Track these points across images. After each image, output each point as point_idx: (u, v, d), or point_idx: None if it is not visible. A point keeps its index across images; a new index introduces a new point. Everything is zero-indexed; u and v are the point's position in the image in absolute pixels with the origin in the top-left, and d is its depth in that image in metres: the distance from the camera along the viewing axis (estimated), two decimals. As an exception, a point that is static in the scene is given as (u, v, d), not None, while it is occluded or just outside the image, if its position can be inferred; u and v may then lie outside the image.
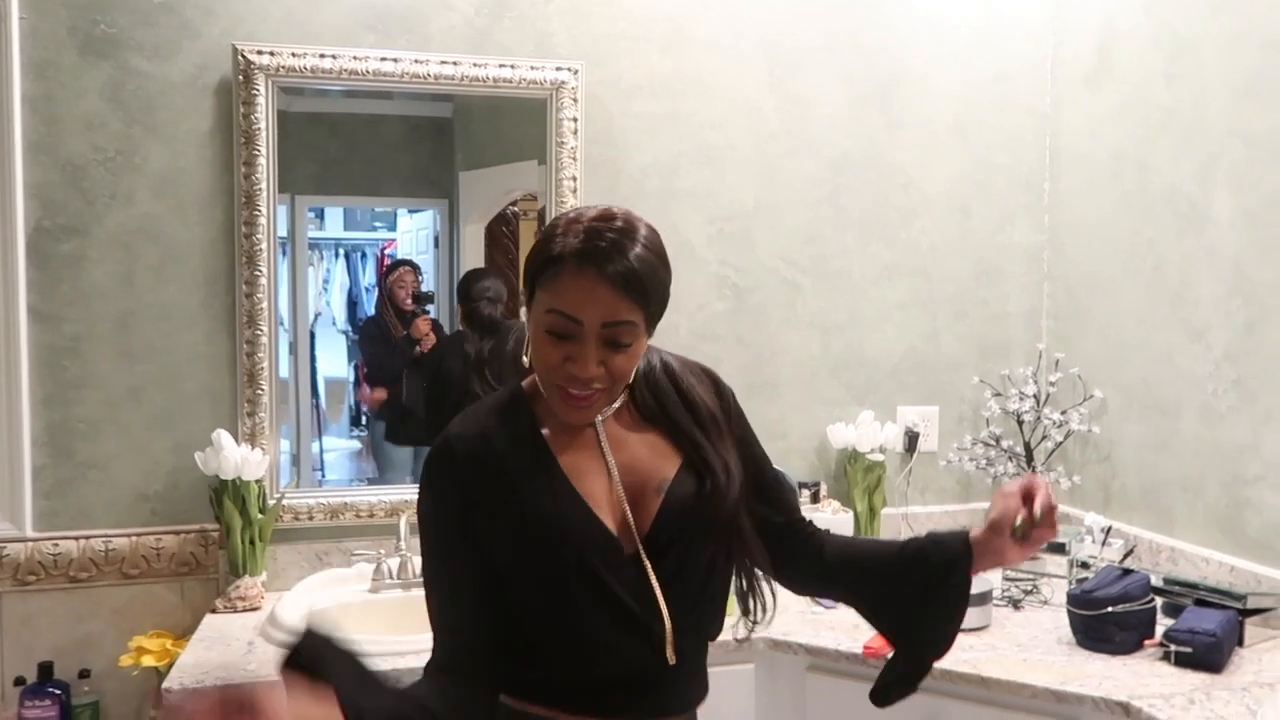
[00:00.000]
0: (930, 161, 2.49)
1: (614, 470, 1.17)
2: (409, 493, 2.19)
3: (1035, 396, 2.40)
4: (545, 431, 1.18)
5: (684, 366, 1.26)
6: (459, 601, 1.15)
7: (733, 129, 2.38)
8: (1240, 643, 1.71)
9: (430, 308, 2.44)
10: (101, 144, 2.05)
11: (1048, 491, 1.16)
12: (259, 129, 2.10)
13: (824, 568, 1.29)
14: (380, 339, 2.51)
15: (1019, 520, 1.14)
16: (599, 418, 1.19)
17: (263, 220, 2.12)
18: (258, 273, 2.12)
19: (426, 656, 1.71)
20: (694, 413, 1.21)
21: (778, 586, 1.33)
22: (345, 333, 2.59)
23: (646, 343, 1.17)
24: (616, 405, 1.20)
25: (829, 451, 2.44)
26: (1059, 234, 2.52)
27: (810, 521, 1.34)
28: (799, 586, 1.34)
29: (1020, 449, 2.40)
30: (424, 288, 2.46)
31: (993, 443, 2.42)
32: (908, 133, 2.48)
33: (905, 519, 2.43)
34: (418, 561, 1.77)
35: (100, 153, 2.05)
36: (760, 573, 1.25)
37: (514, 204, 2.45)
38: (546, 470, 1.15)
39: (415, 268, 2.47)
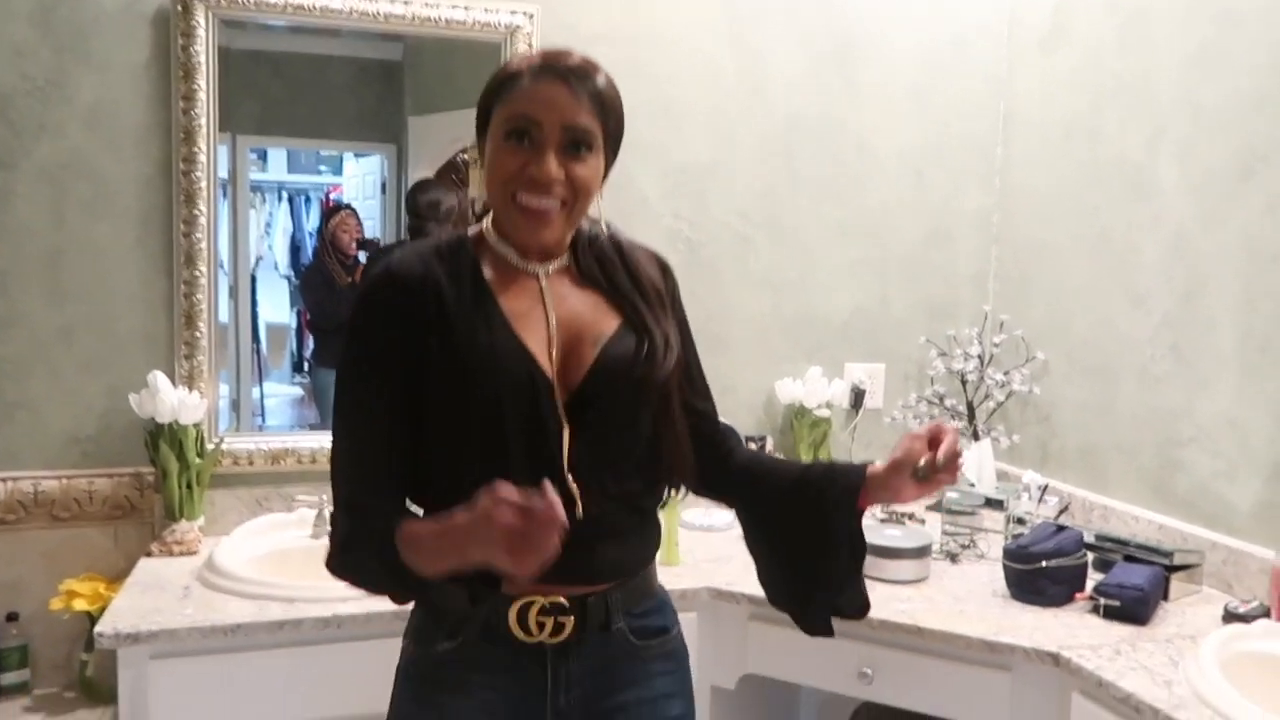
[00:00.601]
0: (885, 123, 2.49)
1: (553, 320, 1.17)
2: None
3: (980, 357, 2.43)
4: (488, 274, 1.17)
5: (632, 244, 1.26)
6: (375, 431, 1.14)
7: (690, 82, 2.35)
8: (1166, 597, 1.76)
9: (375, 254, 2.39)
10: (30, 72, 1.96)
11: (955, 438, 1.19)
12: (199, 63, 2.02)
13: (729, 472, 1.32)
14: (323, 286, 2.45)
15: (922, 461, 1.18)
16: (542, 271, 1.19)
17: (202, 158, 2.04)
18: (197, 212, 2.05)
19: (369, 604, 1.71)
20: (637, 282, 1.22)
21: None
22: (288, 278, 2.53)
23: (603, 170, 1.17)
24: (561, 263, 1.21)
25: (776, 406, 2.45)
26: (1008, 199, 2.54)
27: (726, 425, 1.37)
28: (700, 486, 1.33)
29: (963, 408, 2.44)
30: (367, 234, 2.41)
31: (936, 401, 2.45)
32: (864, 94, 2.47)
33: (849, 475, 2.46)
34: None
35: (28, 82, 1.96)
36: (682, 450, 1.24)
37: (464, 151, 2.40)
38: (485, 309, 1.14)
39: (355, 213, 2.41)
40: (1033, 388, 2.36)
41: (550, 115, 1.11)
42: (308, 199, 2.55)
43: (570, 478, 1.13)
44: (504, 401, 1.11)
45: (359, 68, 2.36)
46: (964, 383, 2.44)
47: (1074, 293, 2.30)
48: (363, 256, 2.40)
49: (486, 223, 1.21)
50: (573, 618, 1.16)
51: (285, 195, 2.54)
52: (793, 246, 2.46)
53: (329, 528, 1.18)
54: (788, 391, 2.40)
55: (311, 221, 2.54)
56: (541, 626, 1.15)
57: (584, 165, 1.13)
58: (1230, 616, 1.68)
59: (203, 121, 2.04)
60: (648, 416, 1.19)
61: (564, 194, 1.13)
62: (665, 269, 1.29)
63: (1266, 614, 1.67)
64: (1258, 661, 1.51)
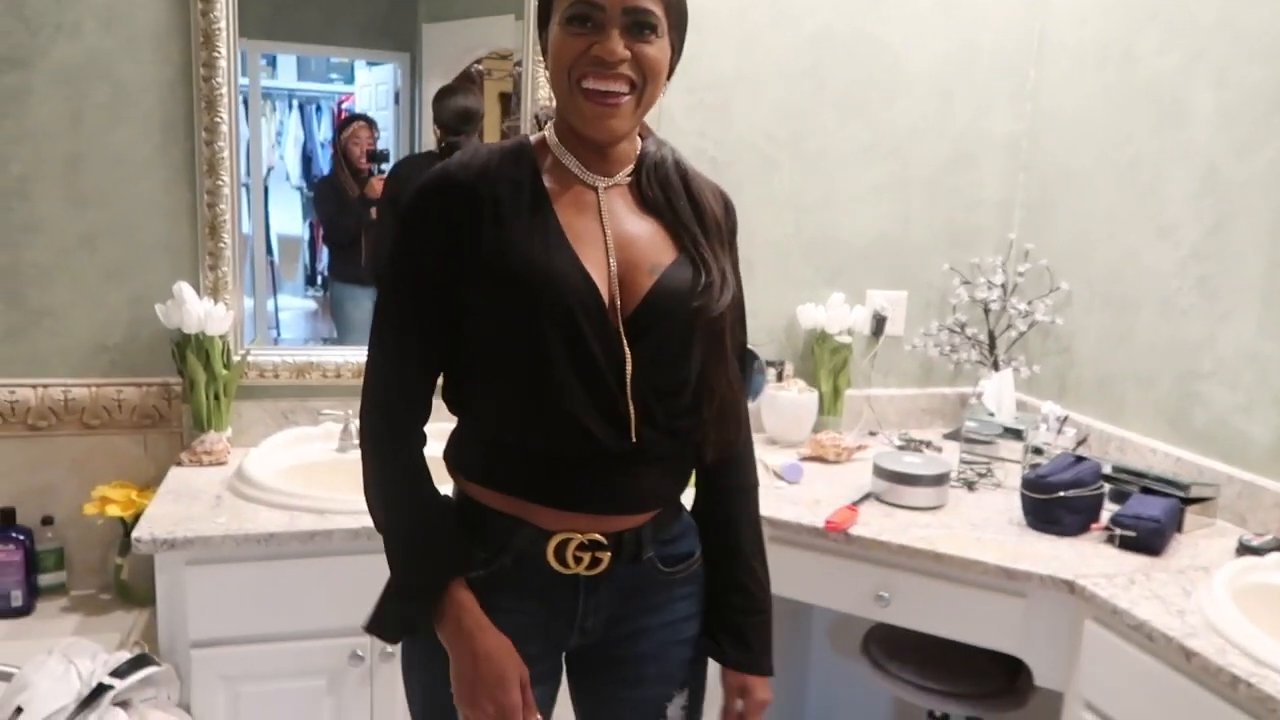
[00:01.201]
0: (915, 40, 2.43)
1: (610, 239, 1.14)
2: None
3: (1003, 286, 2.42)
4: (547, 184, 1.15)
5: (698, 174, 1.23)
6: (413, 349, 1.14)
7: (719, -9, 2.29)
8: (1180, 529, 1.79)
9: (386, 166, 2.36)
10: (43, -33, 1.91)
11: None
12: (216, -39, 1.96)
13: (711, 492, 1.29)
14: (334, 199, 2.43)
15: None
16: (602, 184, 1.16)
17: (222, 63, 2.00)
18: (218, 119, 2.01)
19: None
20: (699, 213, 1.19)
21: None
22: (300, 189, 2.50)
23: (669, 56, 1.14)
24: (623, 178, 1.17)
25: (797, 331, 2.46)
26: (1038, 123, 2.50)
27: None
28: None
29: (984, 337, 2.44)
30: (380, 145, 2.37)
31: (958, 330, 2.45)
32: (893, 7, 2.40)
33: (868, 401, 2.48)
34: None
35: (42, -23, 1.91)
36: (735, 393, 1.21)
37: (479, 62, 2.34)
38: (542, 217, 1.12)
39: (371, 123, 2.37)
40: (1055, 318, 2.36)
41: None
42: (319, 108, 2.50)
43: (631, 403, 1.12)
44: (563, 317, 1.09)
45: (370, -30, 2.29)
46: (986, 312, 2.43)
47: (1101, 222, 2.28)
48: (376, 170, 2.37)
49: (548, 129, 1.18)
50: (609, 553, 1.16)
51: (296, 104, 2.49)
52: (817, 167, 2.43)
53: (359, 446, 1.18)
54: (809, 316, 2.40)
55: (323, 131, 2.50)
56: (579, 560, 1.16)
57: (651, 46, 1.09)
58: (1244, 549, 1.71)
59: (222, 25, 1.99)
60: (701, 351, 1.17)
61: (633, 75, 1.08)
62: (729, 207, 1.25)
63: (1279, 547, 1.70)
64: (1269, 593, 1.54)
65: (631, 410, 1.12)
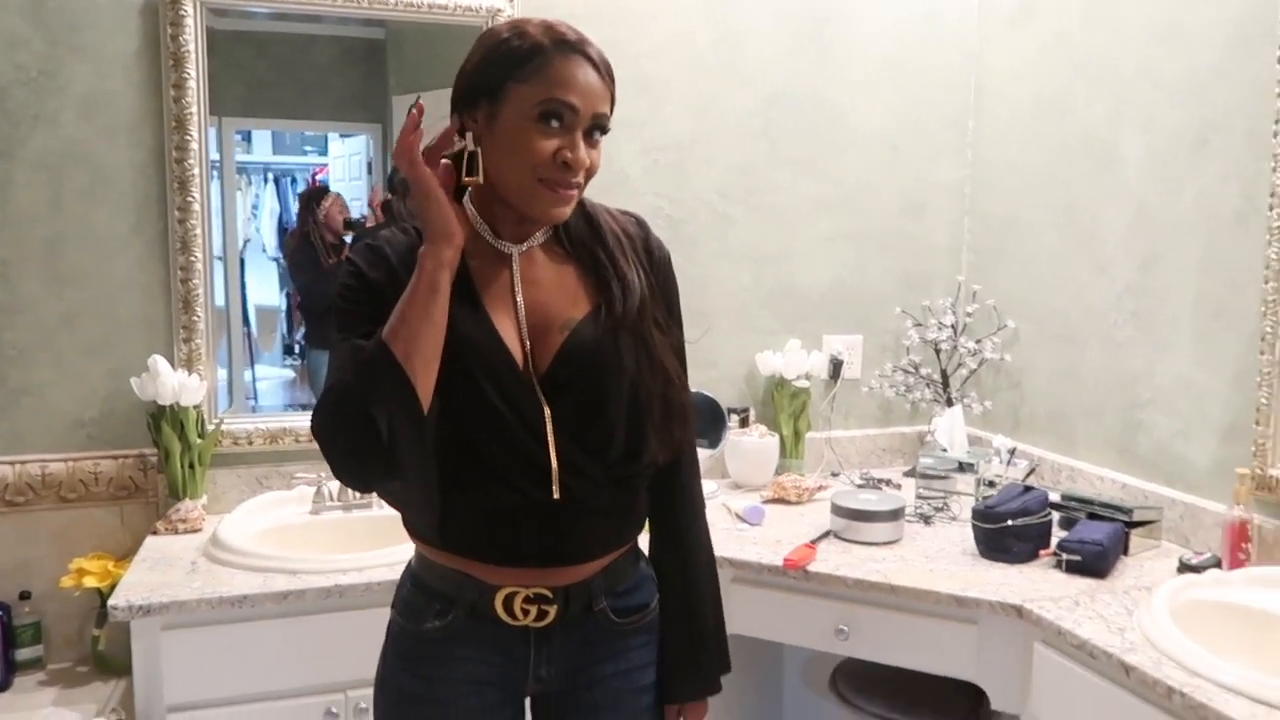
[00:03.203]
0: (861, 98, 2.55)
1: (520, 304, 1.19)
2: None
3: (953, 326, 2.51)
4: (465, 255, 1.18)
5: (608, 209, 1.27)
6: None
7: (668, 60, 2.41)
8: (1126, 552, 1.85)
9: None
10: (23, 63, 2.00)
11: None
12: (188, 51, 2.07)
13: (658, 510, 1.31)
14: (311, 267, 2.49)
15: None
16: (516, 250, 1.20)
17: (194, 145, 2.09)
18: (190, 198, 2.10)
19: (369, 574, 1.80)
20: (599, 235, 1.22)
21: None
22: (276, 260, 2.57)
23: None
24: (536, 240, 1.22)
25: (757, 378, 2.53)
26: (981, 171, 2.61)
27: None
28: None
29: (937, 376, 2.52)
30: (355, 214, 2.45)
31: (912, 370, 2.53)
32: (840, 69, 2.53)
33: (828, 442, 2.55)
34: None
35: (22, 72, 2.00)
36: (675, 398, 1.22)
37: (448, 131, 2.44)
38: (460, 290, 1.15)
39: (337, 194, 2.45)
40: (1004, 355, 2.44)
41: (587, 102, 1.12)
42: (294, 180, 2.58)
43: (554, 458, 1.16)
44: (482, 383, 1.13)
45: (343, 47, 2.38)
46: (938, 352, 2.52)
47: (1043, 263, 2.38)
48: (348, 238, 2.45)
49: (466, 201, 1.22)
50: (556, 606, 1.20)
51: (271, 177, 2.57)
52: (772, 221, 2.53)
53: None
54: (768, 363, 2.47)
55: (299, 203, 2.58)
56: (526, 613, 1.20)
57: (597, 150, 1.16)
58: (1184, 568, 1.77)
59: (194, 109, 2.09)
60: (625, 389, 1.19)
61: (581, 178, 1.15)
62: (640, 223, 1.29)
63: (1218, 564, 1.76)
64: (1206, 608, 1.60)
65: (555, 464, 1.16)
